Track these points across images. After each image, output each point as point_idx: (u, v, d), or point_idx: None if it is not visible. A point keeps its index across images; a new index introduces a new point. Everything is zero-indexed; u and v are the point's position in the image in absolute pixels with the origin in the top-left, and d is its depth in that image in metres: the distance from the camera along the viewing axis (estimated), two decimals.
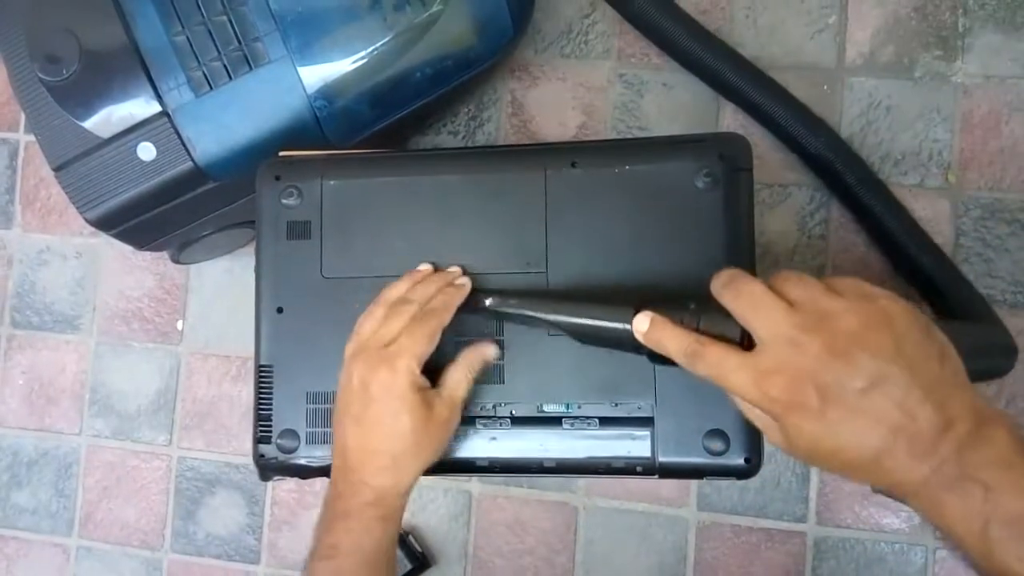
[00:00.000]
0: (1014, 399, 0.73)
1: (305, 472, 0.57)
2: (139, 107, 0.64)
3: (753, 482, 0.76)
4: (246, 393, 0.84)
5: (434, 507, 0.81)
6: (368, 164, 0.60)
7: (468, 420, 0.56)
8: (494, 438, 0.56)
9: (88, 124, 0.64)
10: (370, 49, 0.64)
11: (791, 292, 0.42)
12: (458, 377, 0.53)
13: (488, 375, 0.55)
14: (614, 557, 0.78)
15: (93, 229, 0.68)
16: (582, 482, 0.78)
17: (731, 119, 0.77)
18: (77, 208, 0.65)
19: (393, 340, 0.51)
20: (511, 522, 0.79)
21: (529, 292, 0.55)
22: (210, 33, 0.63)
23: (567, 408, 0.55)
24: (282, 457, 0.57)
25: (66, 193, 0.65)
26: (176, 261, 0.79)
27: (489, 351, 0.54)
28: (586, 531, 0.78)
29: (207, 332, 0.85)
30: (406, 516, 0.80)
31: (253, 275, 0.59)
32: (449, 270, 0.56)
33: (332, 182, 0.58)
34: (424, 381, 0.51)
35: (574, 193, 0.56)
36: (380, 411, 0.50)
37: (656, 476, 0.54)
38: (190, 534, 0.85)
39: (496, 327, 0.56)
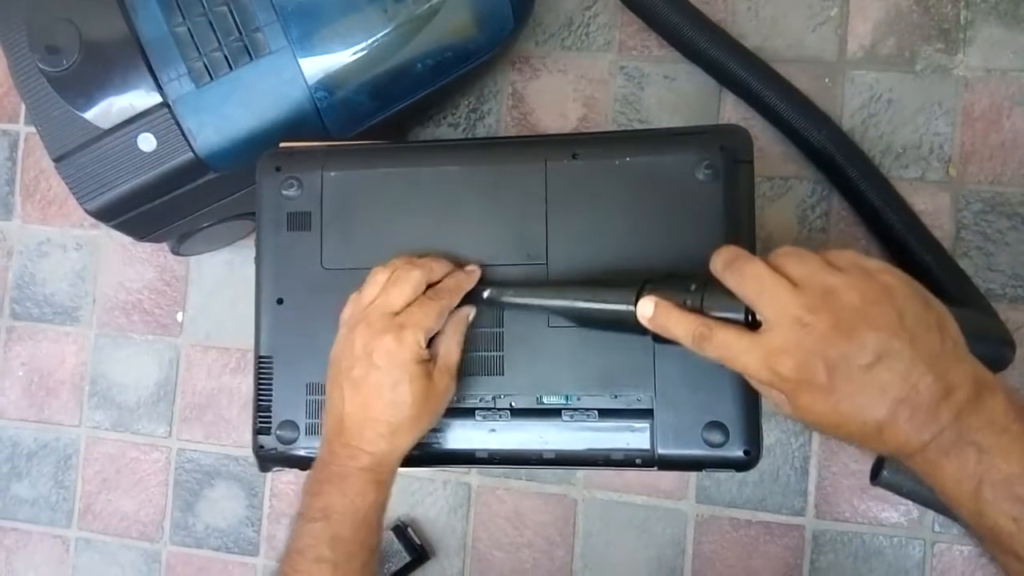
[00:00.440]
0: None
1: (305, 463, 0.57)
2: (139, 98, 0.64)
3: (752, 475, 0.76)
4: (246, 385, 0.84)
5: (433, 499, 0.81)
6: (368, 155, 0.60)
7: (467, 412, 0.56)
8: (493, 430, 0.56)
9: (88, 115, 0.64)
10: (371, 40, 0.64)
11: (792, 269, 0.43)
12: (449, 344, 0.53)
13: (487, 367, 0.56)
14: (613, 550, 0.78)
15: (93, 221, 0.68)
16: (581, 474, 0.78)
17: (732, 112, 0.77)
18: (77, 199, 0.65)
19: (401, 310, 0.52)
20: (510, 514, 0.80)
21: (526, 281, 0.55)
22: (211, 23, 0.63)
23: (566, 400, 0.55)
24: (282, 448, 0.57)
25: (66, 184, 0.65)
26: (176, 253, 0.79)
27: (469, 312, 0.55)
28: (585, 523, 0.78)
29: (207, 324, 0.85)
30: (405, 508, 0.81)
31: (253, 267, 0.59)
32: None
33: (332, 173, 0.58)
34: (427, 354, 0.52)
35: (575, 185, 0.56)
36: (381, 379, 0.51)
37: (655, 468, 0.54)
38: (189, 526, 0.85)
39: (495, 318, 0.56)
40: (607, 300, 0.50)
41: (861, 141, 0.75)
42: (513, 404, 0.55)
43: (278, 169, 0.59)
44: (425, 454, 0.56)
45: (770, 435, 0.74)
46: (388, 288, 0.53)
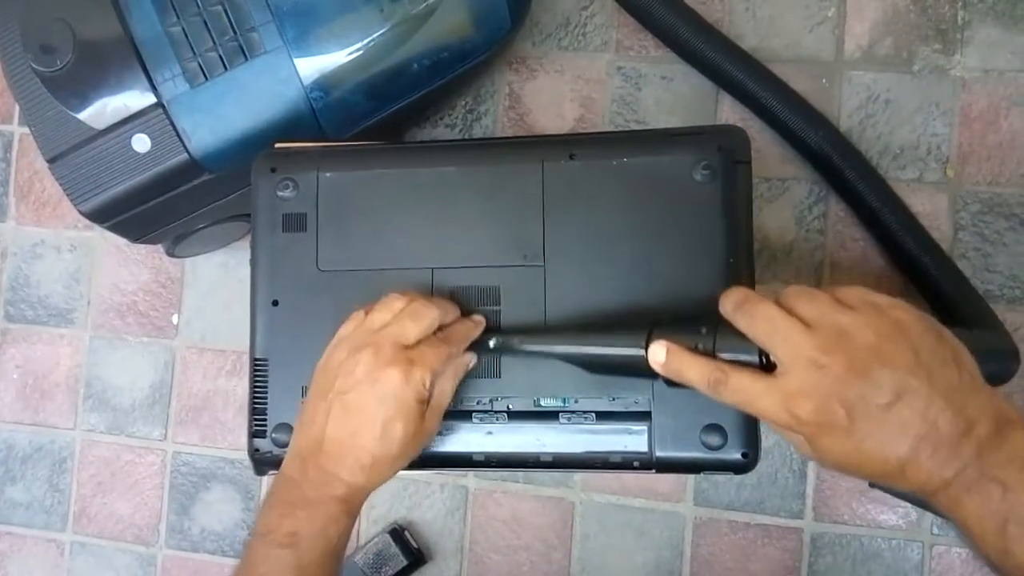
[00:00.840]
0: (1010, 397, 0.73)
1: None
2: (134, 98, 0.63)
3: (750, 478, 0.76)
4: (241, 388, 0.84)
5: (430, 502, 0.80)
6: (364, 156, 0.60)
7: (464, 414, 0.55)
8: (490, 432, 0.55)
9: (82, 115, 0.64)
10: (367, 40, 0.63)
11: (803, 310, 0.42)
12: (445, 388, 0.52)
13: (484, 369, 0.55)
14: (610, 553, 0.78)
15: (87, 222, 0.68)
16: (579, 477, 0.78)
17: (729, 113, 0.77)
18: (71, 200, 0.65)
19: (413, 346, 0.50)
20: (507, 517, 0.79)
21: (531, 327, 0.55)
22: (205, 23, 0.62)
23: (564, 402, 0.55)
24: (277, 451, 0.56)
25: (60, 185, 0.65)
26: (171, 254, 0.78)
27: (471, 360, 0.54)
28: (582, 526, 0.78)
29: (202, 326, 0.85)
30: (402, 511, 0.80)
31: (248, 269, 0.59)
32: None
33: (328, 174, 0.58)
34: (427, 395, 0.50)
35: (572, 185, 0.56)
36: (378, 412, 0.49)
37: (653, 471, 0.54)
38: (185, 529, 0.85)
39: (496, 318, 0.55)
40: (616, 345, 0.50)
41: (859, 142, 0.74)
42: (510, 407, 0.55)
43: (273, 170, 0.59)
44: (422, 457, 0.56)
45: (768, 437, 0.74)
46: (403, 319, 0.51)
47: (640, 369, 0.48)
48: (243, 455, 0.83)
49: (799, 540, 0.75)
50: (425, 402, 0.50)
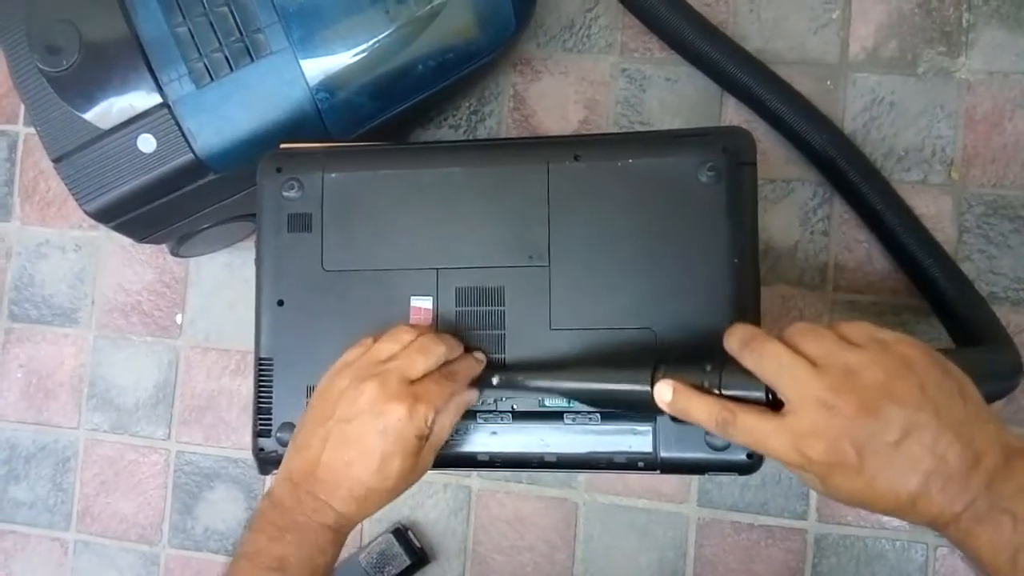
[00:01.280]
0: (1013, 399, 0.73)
1: None
2: (139, 98, 0.63)
3: (754, 479, 0.75)
4: (245, 387, 0.84)
5: (433, 502, 0.80)
6: (370, 157, 0.60)
7: (469, 414, 0.55)
8: (495, 432, 0.55)
9: (88, 115, 0.64)
10: (372, 41, 0.64)
11: (809, 348, 0.43)
12: (444, 425, 0.52)
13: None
14: (614, 553, 0.78)
15: (92, 222, 0.68)
16: (582, 478, 0.78)
17: (734, 115, 0.77)
18: (76, 200, 0.65)
19: (417, 380, 0.50)
20: (511, 518, 0.79)
21: (532, 364, 0.54)
22: (211, 24, 0.62)
23: (568, 403, 0.55)
24: (281, 450, 0.56)
25: (65, 184, 0.65)
26: (175, 254, 0.78)
27: (473, 397, 0.54)
28: (586, 527, 0.78)
29: (206, 326, 0.85)
30: (406, 511, 0.80)
31: (253, 269, 0.59)
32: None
33: (333, 175, 0.58)
34: (427, 432, 0.50)
35: (577, 186, 0.56)
36: (377, 445, 0.49)
37: (658, 471, 0.54)
38: (188, 529, 0.85)
39: (497, 319, 0.55)
40: (621, 382, 0.50)
41: (863, 144, 0.74)
42: (515, 407, 0.55)
43: (279, 170, 0.59)
44: None
45: None
46: (411, 352, 0.51)
47: (646, 406, 0.48)
48: (247, 455, 0.83)
49: (803, 541, 0.75)
50: (424, 438, 0.50)
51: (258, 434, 0.57)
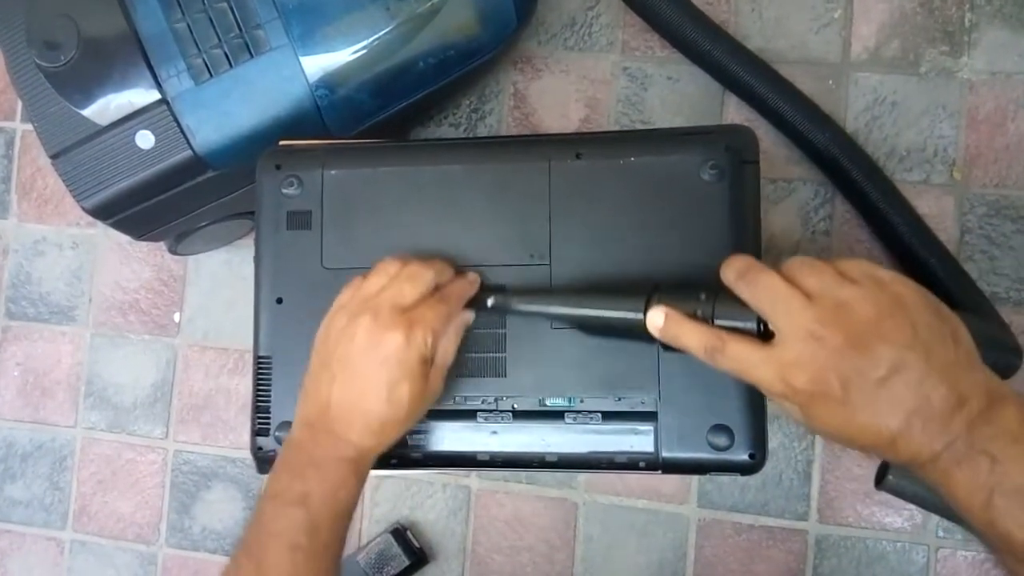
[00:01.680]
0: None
1: None
2: (138, 95, 0.63)
3: (754, 479, 0.75)
4: (243, 386, 0.84)
5: (432, 502, 0.80)
6: (369, 154, 0.60)
7: (469, 414, 0.55)
8: (495, 432, 0.55)
9: (86, 111, 0.63)
10: (372, 38, 0.63)
11: (806, 281, 0.43)
12: (448, 347, 0.52)
13: (489, 368, 0.55)
14: (614, 554, 0.77)
15: (90, 219, 0.67)
16: (582, 478, 0.78)
17: (735, 114, 0.76)
18: (74, 196, 0.65)
19: (411, 307, 0.50)
20: (510, 518, 0.79)
21: (530, 288, 0.55)
22: (211, 20, 0.62)
23: (569, 402, 0.54)
24: (280, 449, 0.56)
25: (63, 181, 0.65)
26: (174, 252, 0.78)
27: (469, 317, 0.54)
28: (586, 527, 0.78)
29: (205, 324, 0.85)
30: (404, 511, 0.80)
31: (252, 267, 0.59)
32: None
33: (333, 172, 0.58)
34: (430, 355, 0.51)
35: (579, 184, 0.55)
36: (383, 375, 0.49)
37: (659, 471, 0.54)
38: (186, 528, 0.84)
39: (498, 320, 0.55)
40: (615, 308, 0.50)
41: (865, 144, 0.74)
42: (515, 406, 0.55)
43: (278, 167, 0.58)
44: (425, 456, 0.56)
45: (773, 439, 0.74)
46: (400, 282, 0.51)
47: (638, 333, 0.48)
48: (245, 454, 0.83)
49: (803, 542, 0.75)
50: (429, 362, 0.50)
51: (256, 433, 0.57)
